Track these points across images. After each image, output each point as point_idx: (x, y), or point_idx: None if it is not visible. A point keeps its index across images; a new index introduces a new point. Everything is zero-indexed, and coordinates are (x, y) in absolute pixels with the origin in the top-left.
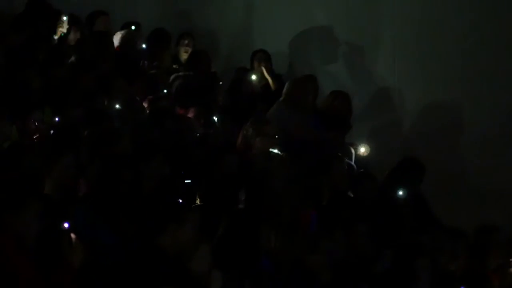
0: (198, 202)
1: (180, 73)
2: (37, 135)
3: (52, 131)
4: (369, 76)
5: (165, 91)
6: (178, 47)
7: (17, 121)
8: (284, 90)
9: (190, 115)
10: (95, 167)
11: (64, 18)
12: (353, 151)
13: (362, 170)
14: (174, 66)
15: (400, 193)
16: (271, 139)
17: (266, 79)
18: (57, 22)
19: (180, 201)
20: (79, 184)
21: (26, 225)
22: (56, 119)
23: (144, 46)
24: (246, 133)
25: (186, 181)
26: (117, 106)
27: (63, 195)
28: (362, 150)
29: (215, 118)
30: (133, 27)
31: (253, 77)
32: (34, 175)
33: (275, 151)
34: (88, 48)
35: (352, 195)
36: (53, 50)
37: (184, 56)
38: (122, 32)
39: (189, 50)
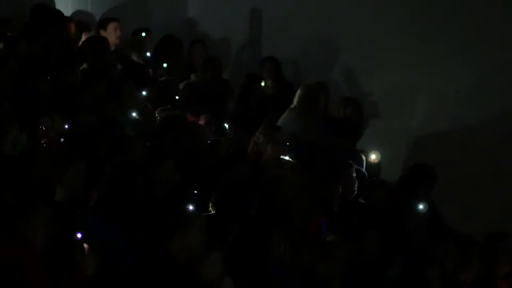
0: (211, 209)
1: (191, 80)
2: (45, 140)
3: (62, 138)
4: (380, 82)
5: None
6: (190, 53)
7: (27, 127)
8: (295, 97)
9: (201, 122)
10: (107, 175)
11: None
12: (364, 158)
13: (375, 178)
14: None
15: (421, 207)
16: (282, 146)
17: (277, 86)
18: (67, 28)
19: (188, 207)
20: (90, 191)
21: (36, 232)
22: (66, 126)
23: (148, 54)
24: (257, 140)
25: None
26: (128, 113)
27: (75, 202)
28: (373, 157)
29: (226, 125)
30: (143, 34)
31: (263, 83)
32: (45, 182)
33: (286, 158)
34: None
35: (364, 202)
36: (63, 57)
37: (196, 63)
38: (133, 38)
39: (201, 56)
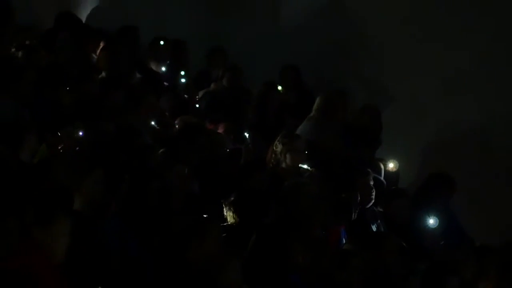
0: (229, 217)
1: (211, 88)
2: (62, 146)
3: (79, 146)
4: (399, 91)
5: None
6: (209, 62)
7: (48, 137)
8: (315, 105)
9: (220, 130)
10: (126, 183)
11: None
12: (382, 166)
13: (393, 186)
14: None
15: (431, 221)
16: (300, 154)
17: (296, 94)
18: (98, 42)
19: (205, 215)
20: (109, 200)
21: (56, 241)
22: (80, 133)
23: (163, 69)
24: (276, 149)
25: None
26: (148, 121)
27: (93, 210)
28: (391, 165)
29: (246, 134)
30: (161, 42)
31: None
32: (64, 190)
33: (305, 166)
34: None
35: (382, 211)
36: (83, 66)
37: (215, 71)
38: (151, 47)
39: (221, 65)
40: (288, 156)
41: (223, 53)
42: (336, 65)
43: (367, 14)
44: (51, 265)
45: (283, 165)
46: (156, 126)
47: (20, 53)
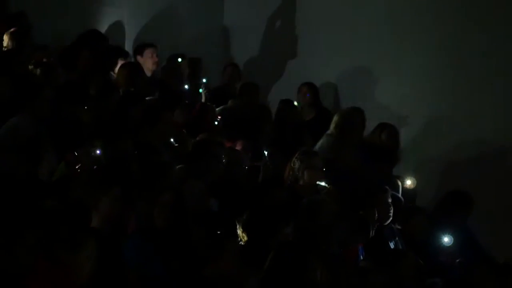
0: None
1: (228, 105)
2: (80, 165)
3: (98, 164)
4: (416, 108)
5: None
6: (223, 77)
7: (67, 155)
8: (332, 123)
9: (238, 148)
10: (143, 200)
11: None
12: (399, 183)
13: (411, 204)
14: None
15: (446, 239)
16: (318, 171)
17: (314, 112)
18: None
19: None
20: (126, 217)
21: (83, 264)
22: (98, 151)
23: (186, 87)
24: (293, 166)
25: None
26: (166, 138)
27: (111, 228)
28: (409, 182)
29: (264, 151)
30: (179, 59)
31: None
32: (82, 208)
33: (322, 183)
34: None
35: (400, 228)
36: (102, 84)
37: (230, 86)
38: (168, 64)
39: (234, 80)
40: (306, 173)
41: (236, 67)
42: (354, 84)
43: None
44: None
45: (301, 182)
46: (174, 143)
47: (38, 71)
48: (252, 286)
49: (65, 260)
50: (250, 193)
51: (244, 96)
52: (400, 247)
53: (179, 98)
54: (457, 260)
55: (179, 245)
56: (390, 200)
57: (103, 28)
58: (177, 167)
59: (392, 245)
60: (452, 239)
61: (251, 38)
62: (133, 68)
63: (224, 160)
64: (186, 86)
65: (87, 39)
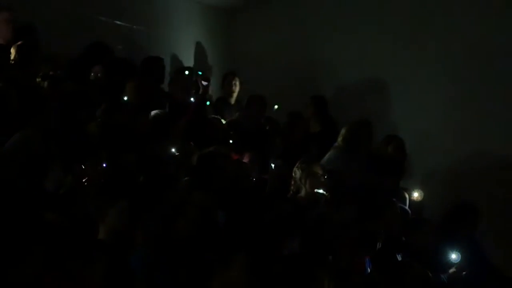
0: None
1: (235, 117)
2: (86, 178)
3: (105, 177)
4: (423, 120)
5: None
6: (224, 88)
7: (73, 168)
8: (340, 135)
9: (245, 160)
10: (151, 214)
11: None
12: (407, 196)
13: (417, 216)
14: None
15: (454, 256)
16: (318, 179)
17: (321, 125)
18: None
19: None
20: (133, 230)
21: (91, 277)
22: (104, 165)
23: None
24: (295, 176)
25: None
26: (173, 151)
27: (117, 241)
28: (416, 195)
29: (272, 164)
30: (186, 72)
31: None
32: (89, 221)
33: (320, 191)
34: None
35: (407, 241)
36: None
37: (228, 95)
38: (175, 76)
39: (233, 88)
40: (307, 181)
41: (234, 76)
42: (361, 97)
43: (392, 49)
44: None
45: (303, 191)
46: (176, 153)
47: (45, 84)
48: None
49: (75, 273)
50: (257, 205)
51: (251, 108)
52: (407, 259)
53: (186, 111)
54: (464, 273)
55: (186, 257)
56: (397, 212)
57: (110, 40)
58: (184, 179)
59: (399, 257)
60: (460, 255)
61: (258, 47)
62: (141, 81)
63: (230, 173)
64: (192, 99)
65: (94, 52)
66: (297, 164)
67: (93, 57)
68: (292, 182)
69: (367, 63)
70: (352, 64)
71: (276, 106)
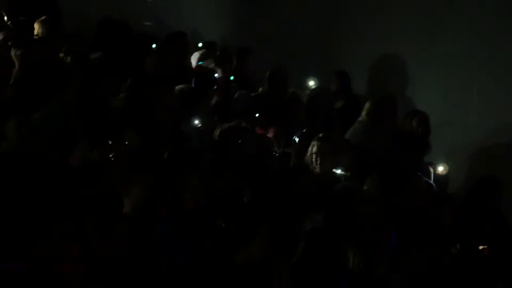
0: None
1: (258, 92)
2: (113, 154)
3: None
4: (446, 95)
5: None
6: (242, 63)
7: (99, 144)
8: (364, 110)
9: (270, 135)
10: (176, 187)
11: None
12: (431, 170)
13: (442, 191)
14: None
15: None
16: (333, 156)
17: (344, 99)
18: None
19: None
20: (158, 203)
21: (113, 248)
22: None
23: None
24: (312, 152)
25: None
26: (198, 125)
27: (142, 214)
28: (441, 169)
29: (296, 138)
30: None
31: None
32: (114, 195)
33: (339, 171)
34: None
35: (431, 216)
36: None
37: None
38: (199, 52)
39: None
40: (321, 158)
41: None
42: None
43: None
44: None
45: (319, 168)
46: (200, 126)
47: (68, 58)
48: (283, 273)
49: (96, 245)
50: (281, 179)
51: (274, 83)
52: (432, 233)
53: (212, 86)
54: (487, 247)
55: (210, 232)
56: (422, 186)
57: (132, 14)
58: (207, 154)
59: (423, 231)
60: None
61: (280, 23)
62: (163, 55)
63: (254, 147)
64: (216, 75)
65: (107, 29)
66: (313, 141)
67: (107, 35)
68: (308, 155)
69: (392, 38)
70: (378, 37)
71: (312, 82)
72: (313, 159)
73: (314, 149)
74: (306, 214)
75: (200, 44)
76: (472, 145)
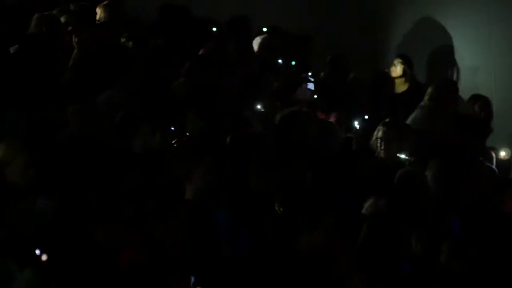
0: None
1: (320, 77)
2: (176, 140)
3: (192, 137)
4: (509, 78)
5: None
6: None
7: (161, 128)
8: (426, 95)
9: (332, 119)
10: (237, 173)
11: (214, 29)
12: (494, 155)
13: (505, 176)
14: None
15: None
16: (398, 142)
17: (407, 85)
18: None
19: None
20: (219, 189)
21: (174, 235)
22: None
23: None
24: (377, 137)
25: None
26: (260, 109)
27: (204, 200)
28: (503, 154)
29: (356, 123)
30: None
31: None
32: (176, 181)
33: (403, 156)
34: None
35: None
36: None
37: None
38: (262, 37)
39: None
40: (386, 143)
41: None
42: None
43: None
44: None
45: (383, 153)
46: (262, 110)
47: (130, 44)
48: (346, 259)
49: (156, 232)
50: (343, 165)
51: (335, 67)
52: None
53: (275, 72)
54: None
55: (269, 217)
56: (484, 171)
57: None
58: (267, 138)
59: (485, 218)
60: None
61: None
62: (223, 39)
63: (315, 132)
64: (280, 61)
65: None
66: (378, 126)
67: (169, 19)
68: (373, 140)
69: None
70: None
71: None
72: (378, 144)
73: (379, 133)
74: (366, 198)
75: (264, 29)
76: None
